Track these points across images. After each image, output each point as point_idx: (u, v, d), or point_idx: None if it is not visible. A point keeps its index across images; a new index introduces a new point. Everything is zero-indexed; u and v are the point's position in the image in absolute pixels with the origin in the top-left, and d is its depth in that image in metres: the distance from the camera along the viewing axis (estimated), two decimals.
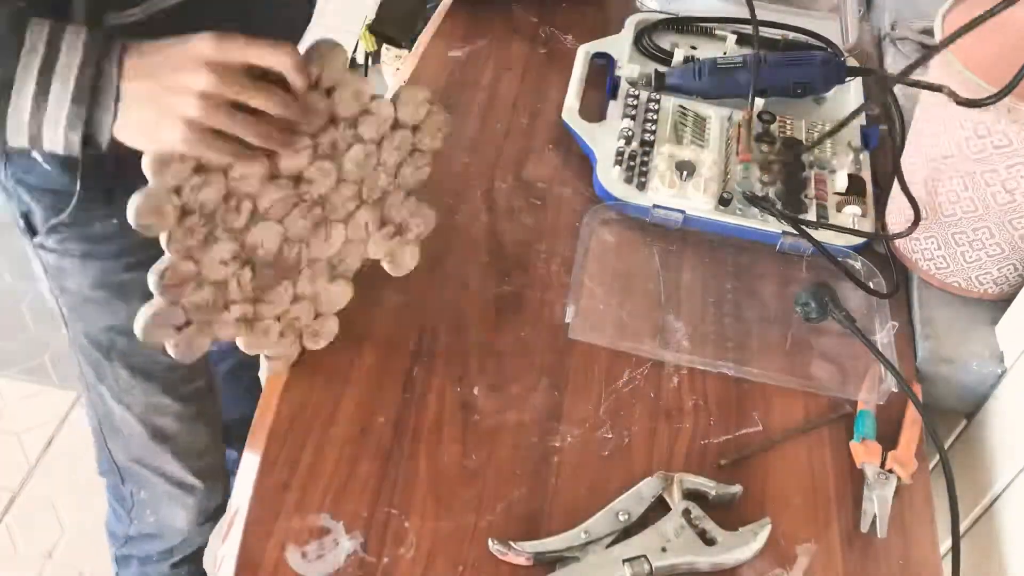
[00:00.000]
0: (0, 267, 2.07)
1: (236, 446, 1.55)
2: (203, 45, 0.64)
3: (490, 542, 0.72)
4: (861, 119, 1.10)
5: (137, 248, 0.87)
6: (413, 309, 0.89)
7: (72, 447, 1.77)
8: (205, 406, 1.11)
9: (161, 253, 0.69)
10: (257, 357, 1.32)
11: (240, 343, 0.75)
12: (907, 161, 0.94)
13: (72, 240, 0.91)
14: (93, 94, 0.65)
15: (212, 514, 1.22)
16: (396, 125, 0.79)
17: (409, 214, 0.83)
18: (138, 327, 0.71)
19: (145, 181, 0.66)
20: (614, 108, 1.08)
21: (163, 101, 0.65)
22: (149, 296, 0.71)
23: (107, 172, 0.83)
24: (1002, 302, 0.91)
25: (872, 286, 0.93)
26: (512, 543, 0.71)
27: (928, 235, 0.92)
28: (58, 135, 0.66)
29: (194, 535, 1.24)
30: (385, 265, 0.81)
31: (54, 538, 1.66)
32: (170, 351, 0.73)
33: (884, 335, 0.89)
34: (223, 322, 0.74)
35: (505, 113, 1.11)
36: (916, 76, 0.84)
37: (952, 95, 0.84)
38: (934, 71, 0.86)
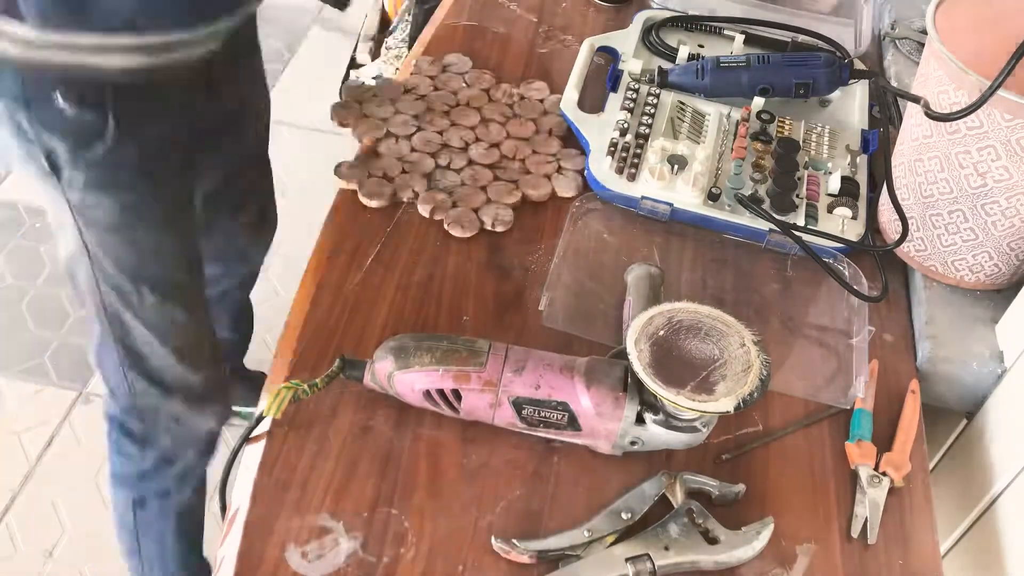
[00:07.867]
0: (0, 267, 2.07)
1: (230, 361, 1.63)
2: None
3: (493, 540, 0.72)
4: (863, 122, 1.10)
5: (157, 174, 1.00)
6: (413, 306, 0.89)
7: (72, 447, 1.77)
8: (207, 317, 1.19)
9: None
10: (250, 281, 1.58)
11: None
12: (898, 148, 0.94)
13: (96, 172, 0.96)
14: None
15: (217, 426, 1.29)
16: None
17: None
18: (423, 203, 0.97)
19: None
20: (613, 100, 1.08)
21: None
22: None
23: (132, 109, 0.93)
24: (1002, 301, 0.91)
25: (855, 288, 0.92)
26: (515, 541, 0.71)
27: (909, 215, 0.92)
28: None
29: (205, 453, 1.30)
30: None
31: (54, 538, 1.66)
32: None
33: (860, 339, 0.88)
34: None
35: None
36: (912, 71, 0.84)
37: (927, 108, 0.84)
38: (932, 65, 0.86)
